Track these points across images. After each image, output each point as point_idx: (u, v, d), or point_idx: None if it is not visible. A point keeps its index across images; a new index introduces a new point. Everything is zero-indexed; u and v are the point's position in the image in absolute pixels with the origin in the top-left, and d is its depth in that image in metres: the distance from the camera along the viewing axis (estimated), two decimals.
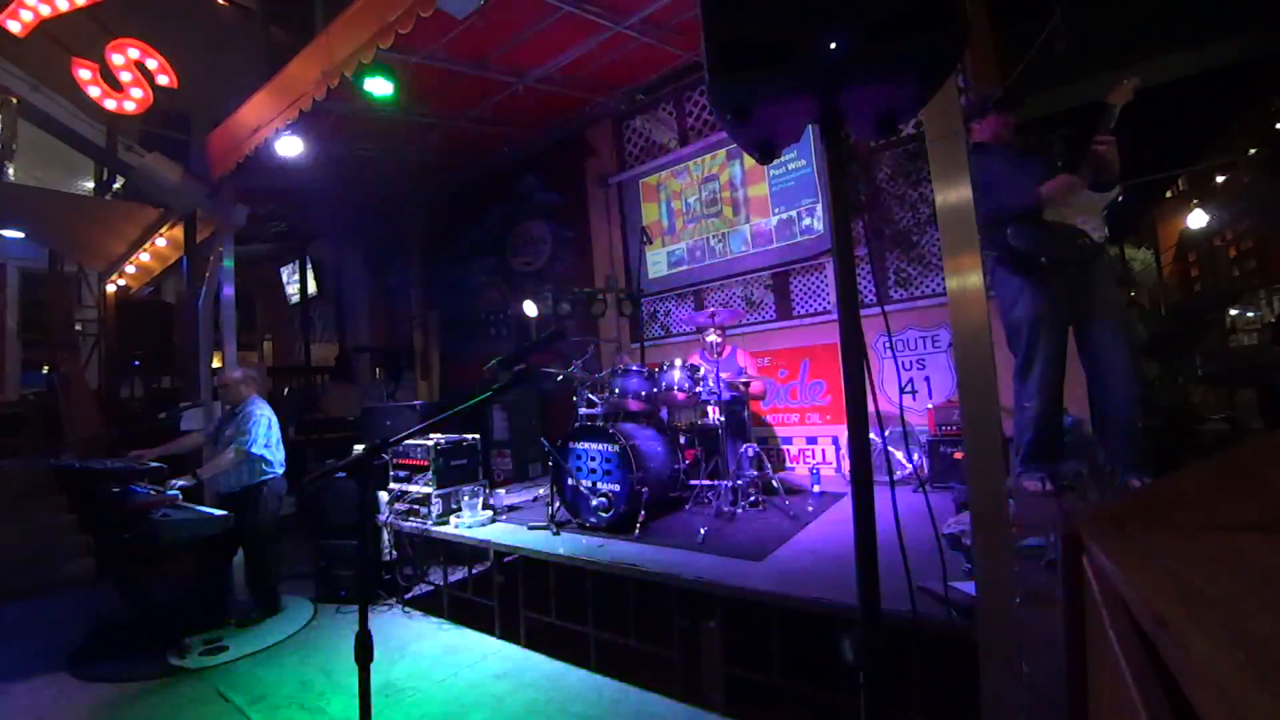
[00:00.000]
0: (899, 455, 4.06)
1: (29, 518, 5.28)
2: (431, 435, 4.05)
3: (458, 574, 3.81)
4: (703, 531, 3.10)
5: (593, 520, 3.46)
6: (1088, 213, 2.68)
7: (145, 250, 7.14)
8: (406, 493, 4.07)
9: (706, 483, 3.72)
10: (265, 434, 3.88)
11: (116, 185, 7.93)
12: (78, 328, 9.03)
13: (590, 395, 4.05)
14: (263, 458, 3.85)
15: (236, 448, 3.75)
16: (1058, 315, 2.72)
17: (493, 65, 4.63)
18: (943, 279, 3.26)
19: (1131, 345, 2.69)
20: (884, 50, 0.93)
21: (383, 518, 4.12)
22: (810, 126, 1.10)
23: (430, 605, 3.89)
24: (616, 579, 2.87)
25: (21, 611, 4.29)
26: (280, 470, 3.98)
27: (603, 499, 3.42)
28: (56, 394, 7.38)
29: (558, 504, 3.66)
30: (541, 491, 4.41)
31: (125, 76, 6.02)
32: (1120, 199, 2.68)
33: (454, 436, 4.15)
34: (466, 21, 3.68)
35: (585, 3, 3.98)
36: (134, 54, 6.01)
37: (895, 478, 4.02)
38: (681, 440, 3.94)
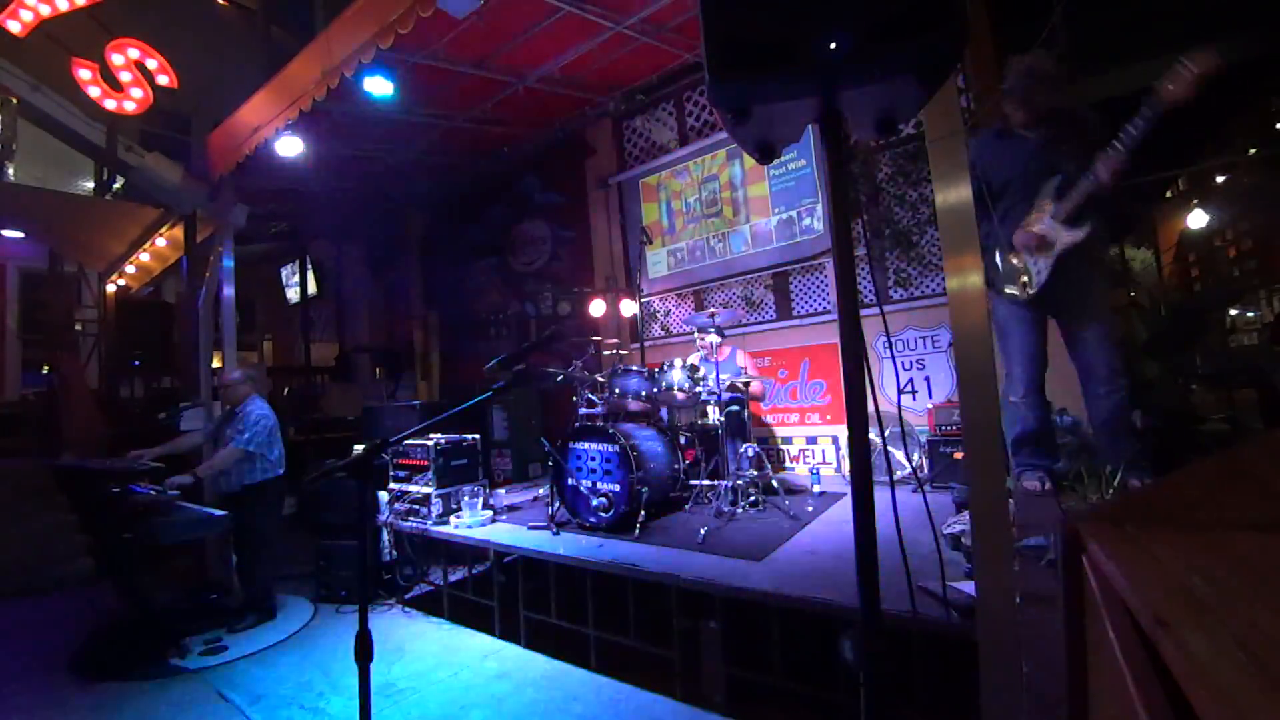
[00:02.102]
0: (899, 455, 4.06)
1: (29, 518, 5.29)
2: (431, 435, 4.05)
3: (458, 574, 3.81)
4: (703, 531, 3.10)
5: (593, 520, 3.46)
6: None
7: (145, 250, 7.15)
8: (406, 493, 4.07)
9: (706, 483, 3.72)
10: (265, 433, 3.88)
11: (116, 185, 7.93)
12: (78, 328, 9.03)
13: (590, 395, 4.05)
14: (264, 456, 3.85)
15: (236, 447, 3.75)
16: (1029, 310, 2.73)
17: (493, 65, 4.63)
18: (943, 279, 3.26)
19: (1116, 343, 2.64)
20: (884, 50, 0.92)
21: (383, 518, 4.12)
22: (810, 126, 1.10)
23: (430, 605, 3.89)
24: (616, 579, 2.87)
25: (21, 611, 4.30)
26: (281, 470, 3.98)
27: (603, 499, 3.42)
28: (56, 394, 7.39)
29: (558, 504, 3.66)
30: (541, 491, 4.41)
31: (125, 76, 6.03)
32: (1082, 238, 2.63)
33: (454, 436, 4.15)
34: (466, 21, 3.69)
35: (585, 3, 3.98)
36: (134, 54, 6.01)
37: (895, 478, 4.02)
38: (681, 440, 3.94)
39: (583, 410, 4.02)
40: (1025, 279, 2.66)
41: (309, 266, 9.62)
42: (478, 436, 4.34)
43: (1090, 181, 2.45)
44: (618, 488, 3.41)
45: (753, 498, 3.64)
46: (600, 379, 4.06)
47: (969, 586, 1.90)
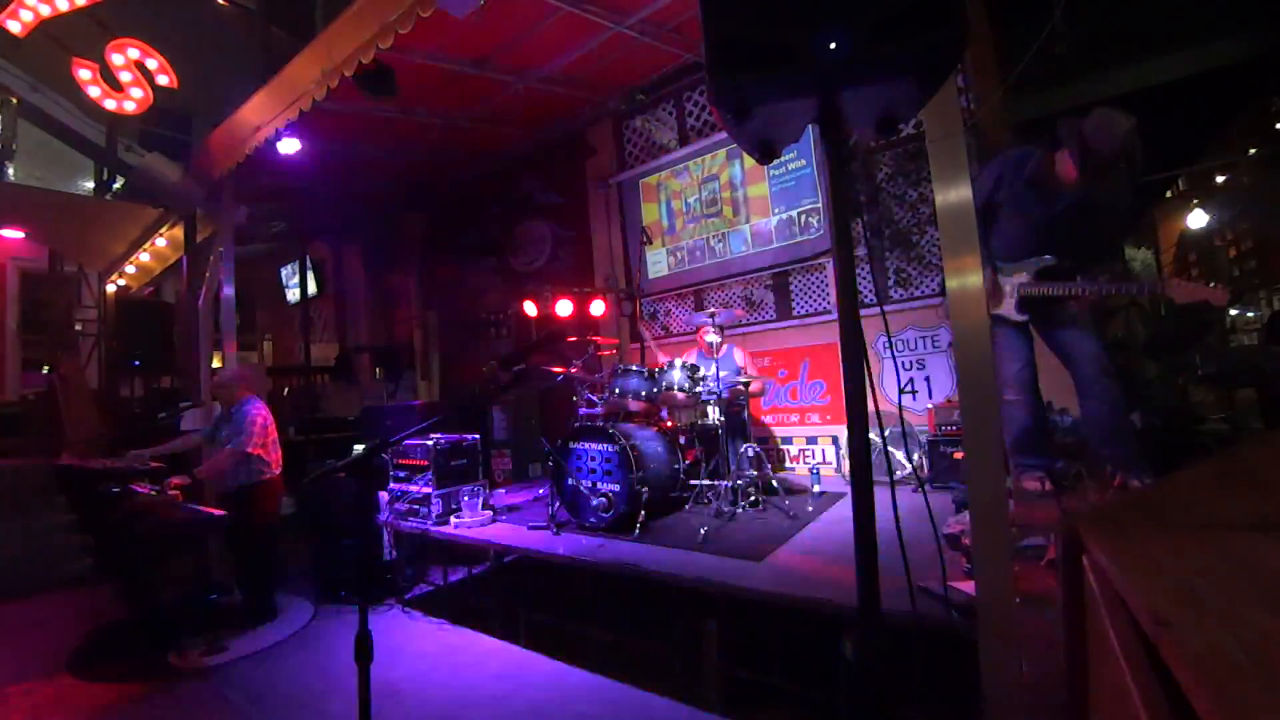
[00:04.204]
0: (899, 455, 4.06)
1: (29, 518, 5.28)
2: (431, 435, 4.05)
3: (458, 574, 3.81)
4: (703, 531, 3.10)
5: (593, 520, 3.46)
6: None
7: (145, 250, 7.15)
8: (406, 493, 4.07)
9: (706, 483, 3.72)
10: (260, 433, 3.87)
11: (116, 185, 7.93)
12: (78, 328, 9.03)
13: (590, 395, 4.05)
14: (259, 457, 3.84)
15: (232, 448, 3.75)
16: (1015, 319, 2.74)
17: (493, 65, 4.63)
18: (943, 279, 3.26)
19: (1101, 349, 2.63)
20: (884, 50, 0.93)
21: (383, 518, 4.12)
22: (810, 126, 1.10)
23: (430, 605, 3.89)
24: (616, 579, 2.87)
25: (21, 611, 4.29)
26: (277, 470, 3.97)
27: (603, 499, 3.42)
28: (56, 394, 7.38)
29: (558, 504, 3.66)
30: (541, 491, 4.40)
31: (125, 76, 6.03)
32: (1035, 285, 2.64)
33: (454, 436, 4.15)
34: (466, 21, 3.68)
35: (585, 3, 3.98)
36: (134, 54, 6.02)
37: (895, 478, 4.02)
38: (681, 440, 3.94)
39: (583, 410, 4.02)
40: None
41: (309, 266, 9.60)
42: (478, 436, 4.34)
43: (1063, 292, 2.56)
44: (618, 488, 3.41)
45: (753, 498, 3.64)
46: (600, 379, 4.06)
47: (969, 586, 1.90)
